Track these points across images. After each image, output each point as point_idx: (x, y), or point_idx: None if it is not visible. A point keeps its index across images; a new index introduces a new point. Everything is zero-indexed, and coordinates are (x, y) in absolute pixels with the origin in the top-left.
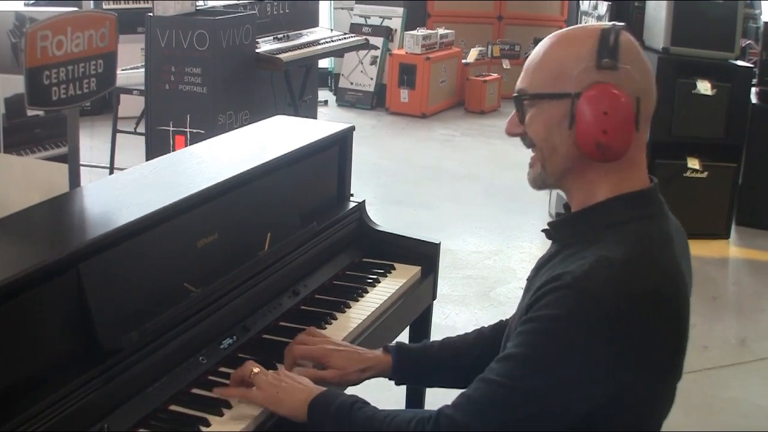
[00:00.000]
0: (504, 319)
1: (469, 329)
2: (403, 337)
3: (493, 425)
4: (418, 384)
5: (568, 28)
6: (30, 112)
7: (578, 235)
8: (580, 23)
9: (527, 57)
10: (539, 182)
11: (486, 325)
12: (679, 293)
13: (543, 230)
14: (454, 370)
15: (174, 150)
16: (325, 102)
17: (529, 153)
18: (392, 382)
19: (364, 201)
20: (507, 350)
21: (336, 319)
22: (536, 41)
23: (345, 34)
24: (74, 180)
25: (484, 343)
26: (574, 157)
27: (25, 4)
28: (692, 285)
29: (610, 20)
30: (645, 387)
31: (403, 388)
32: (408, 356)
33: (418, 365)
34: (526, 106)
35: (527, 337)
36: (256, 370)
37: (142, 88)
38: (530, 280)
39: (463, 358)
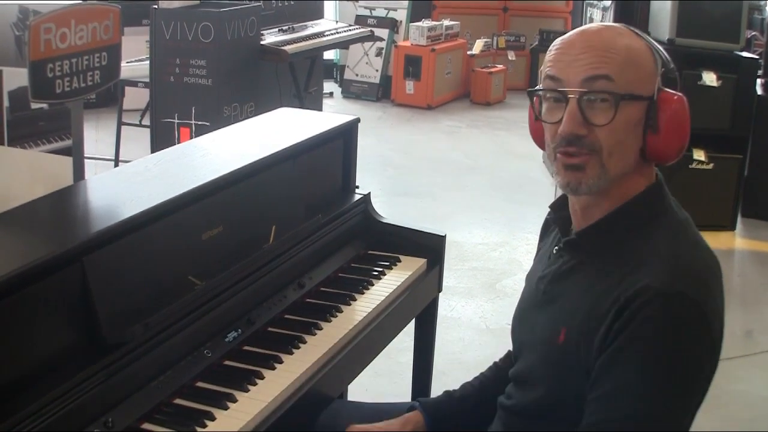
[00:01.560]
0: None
1: (475, 321)
2: (409, 329)
3: None
4: (456, 429)
5: (608, 25)
6: (34, 105)
7: (609, 241)
8: (586, 14)
9: (533, 47)
10: (595, 188)
11: (497, 360)
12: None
13: (566, 242)
14: (483, 412)
15: (179, 142)
16: (331, 94)
17: (533, 145)
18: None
19: (369, 193)
20: (613, 384)
21: (341, 311)
22: (541, 33)
23: (350, 25)
24: (78, 173)
25: (504, 377)
26: (636, 160)
27: None
28: None
29: (615, 12)
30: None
31: (409, 379)
32: (437, 411)
33: (449, 416)
34: (601, 104)
35: (636, 363)
36: None
37: (147, 80)
38: (547, 293)
39: (489, 396)
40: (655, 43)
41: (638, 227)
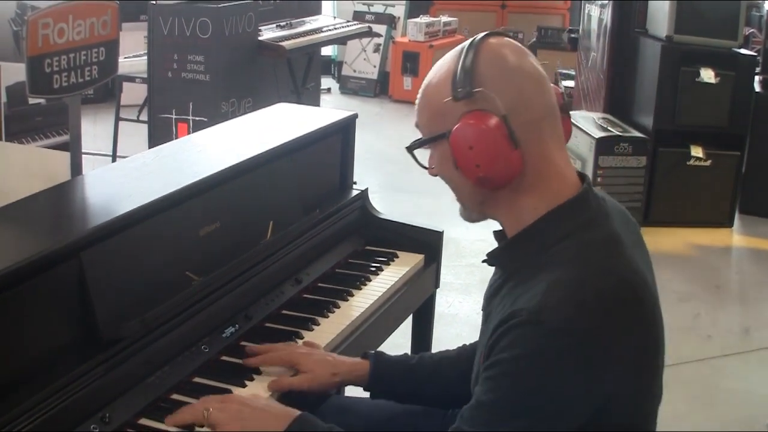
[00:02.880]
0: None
1: (472, 318)
2: (407, 325)
3: None
4: (395, 399)
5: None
6: (31, 101)
7: (520, 261)
8: (584, 11)
9: (531, 44)
10: (469, 218)
11: (468, 343)
12: (638, 292)
13: (483, 261)
14: (434, 386)
15: (176, 138)
16: (328, 90)
17: None
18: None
19: (366, 189)
20: (477, 397)
21: (338, 307)
22: (539, 30)
23: (348, 21)
24: (76, 168)
25: (468, 359)
26: (478, 192)
27: None
28: (653, 275)
29: (613, 10)
30: (629, 391)
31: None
32: (387, 365)
33: (397, 376)
34: (426, 148)
35: (495, 382)
36: (210, 408)
37: (145, 76)
38: (485, 309)
39: (445, 372)
40: (466, 63)
41: (548, 250)
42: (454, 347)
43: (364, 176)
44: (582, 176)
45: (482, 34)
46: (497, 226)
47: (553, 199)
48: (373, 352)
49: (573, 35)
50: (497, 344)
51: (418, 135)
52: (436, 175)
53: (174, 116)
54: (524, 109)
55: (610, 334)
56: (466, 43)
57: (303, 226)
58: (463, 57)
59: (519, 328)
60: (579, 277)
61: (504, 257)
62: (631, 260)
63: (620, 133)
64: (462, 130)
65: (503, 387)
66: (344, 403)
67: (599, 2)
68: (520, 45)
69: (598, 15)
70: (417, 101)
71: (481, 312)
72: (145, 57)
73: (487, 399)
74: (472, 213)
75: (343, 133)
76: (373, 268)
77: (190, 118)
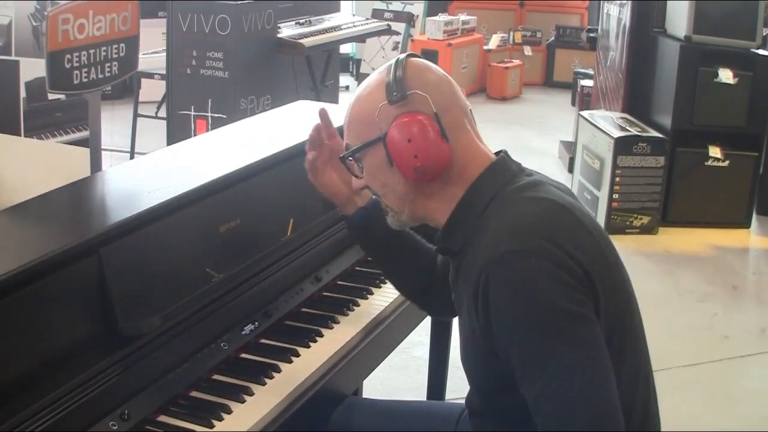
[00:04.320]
0: None
1: None
2: (426, 323)
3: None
4: (367, 246)
5: (363, 85)
6: (51, 96)
7: (462, 236)
8: (603, 10)
9: (549, 43)
10: (400, 223)
11: None
12: (567, 205)
13: (435, 251)
14: (405, 260)
15: (195, 134)
16: (347, 87)
17: (550, 139)
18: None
19: None
20: (515, 365)
21: (358, 305)
22: (558, 28)
23: (367, 19)
24: (96, 164)
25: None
26: (411, 189)
27: None
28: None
29: (632, 10)
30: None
31: (423, 373)
32: (378, 213)
33: (380, 225)
34: (353, 163)
35: (512, 336)
36: None
37: (164, 72)
38: (455, 298)
39: (418, 256)
40: (395, 73)
41: (483, 213)
42: None
43: None
44: (500, 152)
45: (403, 55)
46: None
47: (460, 190)
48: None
49: (591, 34)
50: (486, 307)
51: None
52: (362, 188)
53: (193, 113)
54: (448, 109)
55: (556, 248)
56: (389, 63)
57: (323, 223)
58: (392, 70)
59: (492, 275)
60: (515, 212)
61: (447, 240)
62: (560, 194)
63: (639, 133)
64: (399, 127)
65: (531, 332)
66: (361, 404)
67: (618, 1)
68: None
69: (617, 14)
70: (345, 122)
71: (454, 303)
72: (164, 53)
73: (516, 350)
74: (405, 217)
75: None
76: None
77: (209, 114)
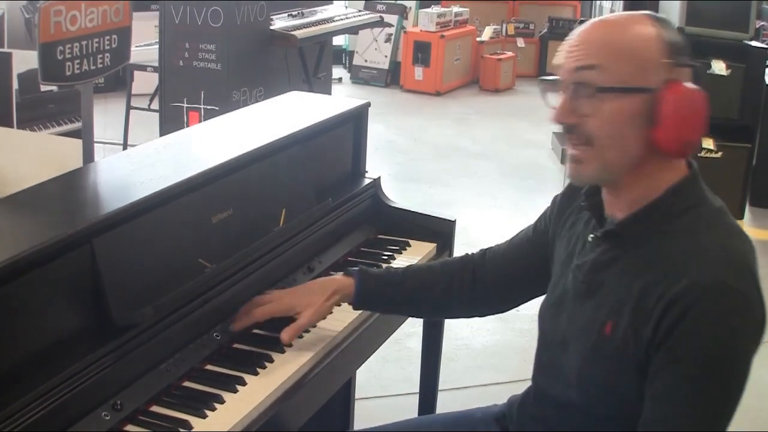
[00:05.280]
0: (468, 252)
1: None
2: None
3: None
4: (379, 311)
5: (620, 15)
6: (43, 88)
7: (644, 231)
8: (596, 1)
9: (542, 35)
10: (592, 180)
11: (450, 257)
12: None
13: (604, 232)
14: (419, 300)
15: (188, 126)
16: (340, 79)
17: (543, 130)
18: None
19: (379, 178)
20: (662, 387)
21: None
22: (550, 20)
23: (359, 11)
24: (88, 155)
25: (451, 274)
26: (642, 154)
27: None
28: None
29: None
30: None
31: (416, 365)
32: (371, 282)
33: (382, 292)
34: (588, 95)
35: (687, 363)
36: None
37: (156, 64)
38: (589, 282)
39: (429, 288)
40: (673, 34)
41: (676, 219)
42: (465, 333)
43: (376, 166)
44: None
45: (658, 15)
46: (500, 217)
47: (677, 175)
48: (356, 269)
49: None
50: (676, 326)
51: (431, 125)
52: (569, 124)
53: (185, 105)
54: None
55: (757, 293)
56: (645, 16)
57: (315, 214)
58: (667, 28)
59: (700, 300)
60: (732, 243)
61: (634, 227)
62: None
63: None
64: (689, 95)
65: (699, 362)
66: None
67: None
68: None
69: (609, 6)
70: (598, 41)
71: (578, 282)
72: (156, 46)
73: (681, 378)
74: (607, 177)
75: (355, 121)
76: (386, 257)
77: (202, 106)
